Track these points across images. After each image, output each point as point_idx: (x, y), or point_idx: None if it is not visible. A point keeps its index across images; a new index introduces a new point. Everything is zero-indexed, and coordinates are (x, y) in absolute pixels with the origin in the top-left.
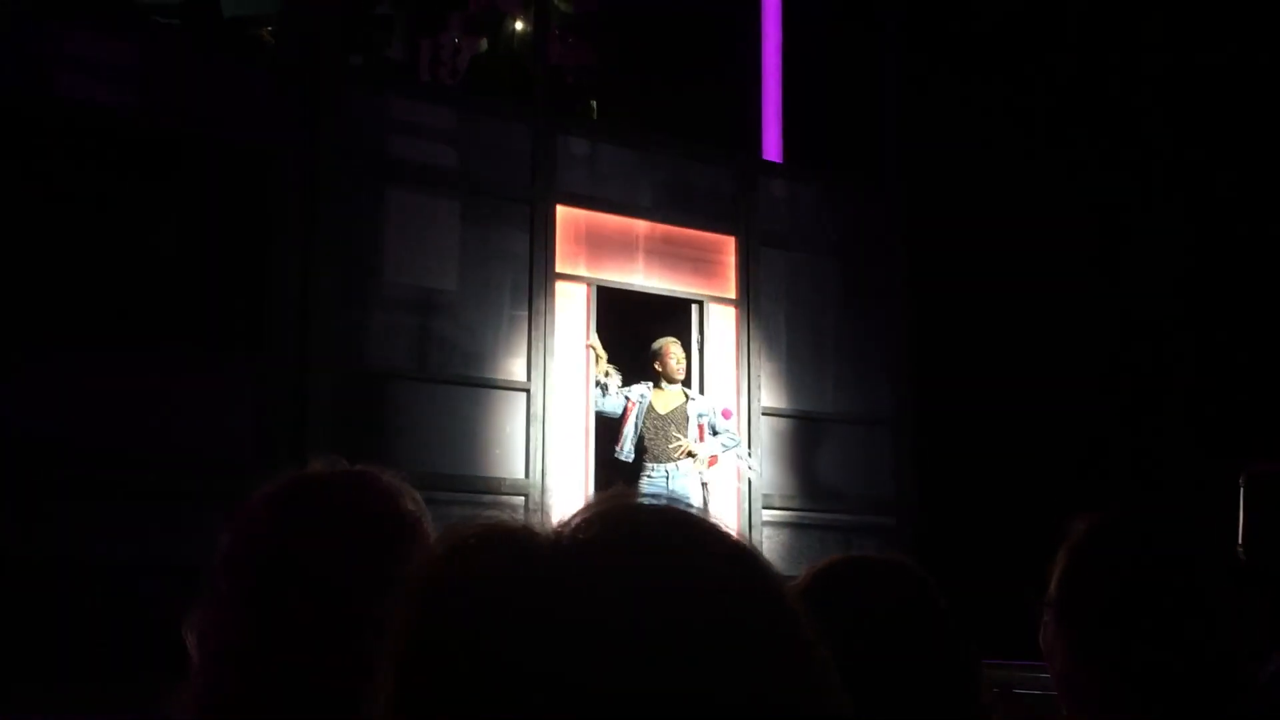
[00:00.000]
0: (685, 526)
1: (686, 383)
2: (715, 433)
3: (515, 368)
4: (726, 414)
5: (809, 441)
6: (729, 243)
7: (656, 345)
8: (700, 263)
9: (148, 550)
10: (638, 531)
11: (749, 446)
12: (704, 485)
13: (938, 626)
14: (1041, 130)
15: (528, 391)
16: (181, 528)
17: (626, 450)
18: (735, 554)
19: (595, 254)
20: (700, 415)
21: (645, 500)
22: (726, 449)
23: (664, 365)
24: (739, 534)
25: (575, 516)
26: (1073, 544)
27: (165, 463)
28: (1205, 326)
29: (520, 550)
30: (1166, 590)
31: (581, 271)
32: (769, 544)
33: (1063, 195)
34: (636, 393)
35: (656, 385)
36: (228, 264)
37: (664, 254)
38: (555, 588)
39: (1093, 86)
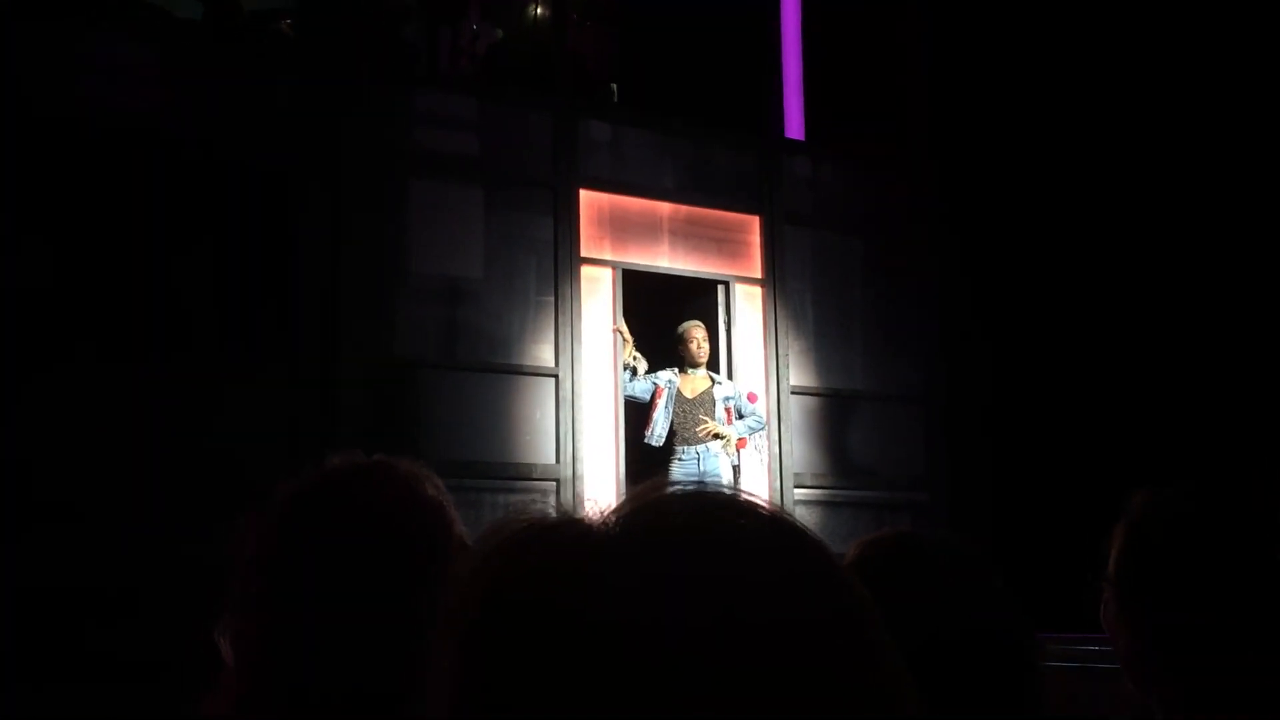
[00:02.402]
0: (735, 512)
1: (714, 365)
2: (741, 416)
3: (543, 353)
4: (752, 398)
5: (839, 419)
6: (753, 222)
7: (680, 330)
8: (725, 243)
9: (186, 551)
10: (688, 521)
11: (778, 427)
12: (735, 469)
13: (988, 604)
14: (1076, 99)
15: (556, 377)
16: (219, 526)
17: (658, 435)
18: (787, 536)
19: (619, 237)
20: (727, 399)
21: (679, 487)
22: (753, 431)
23: (686, 350)
24: (789, 515)
25: (622, 506)
26: (1132, 520)
27: (199, 460)
28: (1249, 312)
29: (573, 541)
30: (1231, 563)
31: (606, 255)
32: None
33: (1099, 165)
34: (664, 378)
35: (682, 370)
36: (254, 260)
37: (688, 235)
38: (614, 582)
39: (1134, 50)
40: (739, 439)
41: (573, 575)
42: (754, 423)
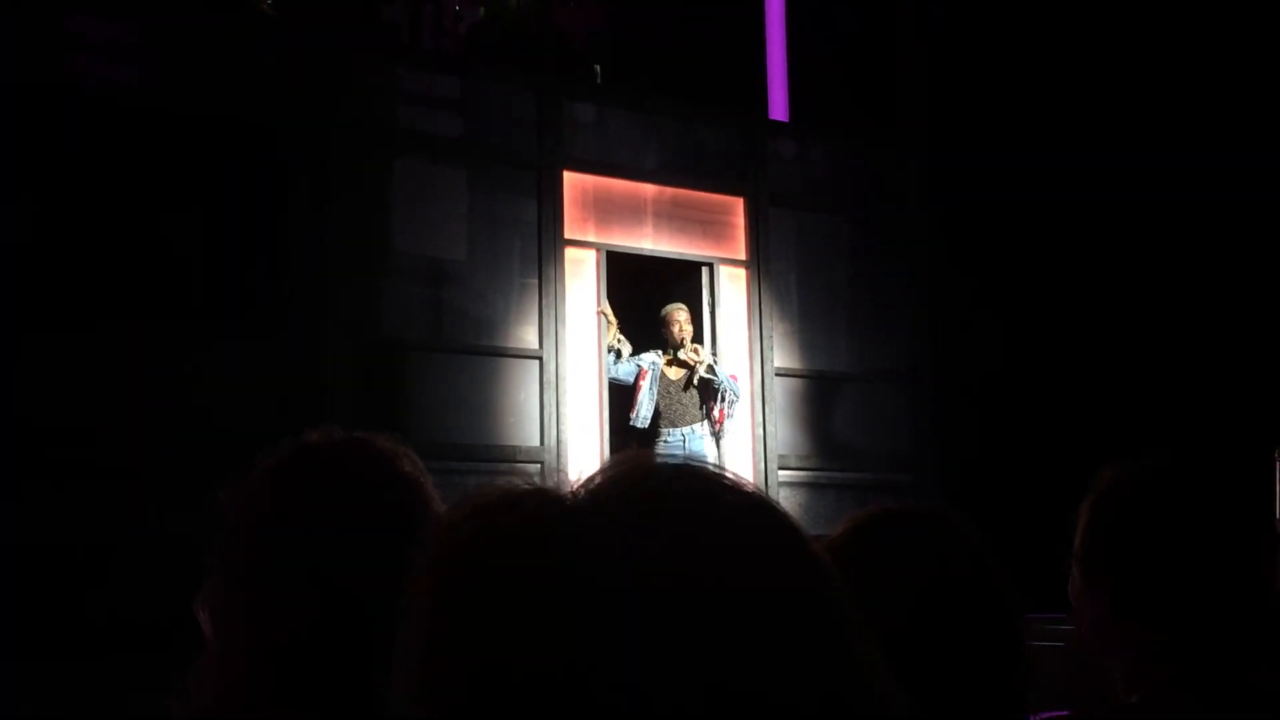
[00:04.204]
0: (705, 482)
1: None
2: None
3: (527, 335)
4: (734, 379)
5: (824, 401)
6: (738, 204)
7: (663, 313)
8: (709, 225)
9: (172, 527)
10: (658, 488)
11: (763, 408)
12: (717, 438)
13: (980, 579)
14: (1067, 78)
15: (540, 359)
16: (204, 505)
17: (643, 417)
18: (756, 507)
19: (604, 219)
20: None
21: (663, 459)
22: (728, 388)
23: (669, 332)
24: (759, 489)
25: (594, 477)
26: (1097, 496)
27: (185, 440)
28: (1238, 291)
29: (544, 508)
30: (1195, 540)
31: (590, 237)
32: (786, 504)
33: (1090, 144)
34: (648, 360)
35: (666, 352)
36: (238, 239)
37: (673, 217)
38: (581, 547)
39: (1127, 28)
40: (720, 411)
41: (542, 539)
42: (732, 386)
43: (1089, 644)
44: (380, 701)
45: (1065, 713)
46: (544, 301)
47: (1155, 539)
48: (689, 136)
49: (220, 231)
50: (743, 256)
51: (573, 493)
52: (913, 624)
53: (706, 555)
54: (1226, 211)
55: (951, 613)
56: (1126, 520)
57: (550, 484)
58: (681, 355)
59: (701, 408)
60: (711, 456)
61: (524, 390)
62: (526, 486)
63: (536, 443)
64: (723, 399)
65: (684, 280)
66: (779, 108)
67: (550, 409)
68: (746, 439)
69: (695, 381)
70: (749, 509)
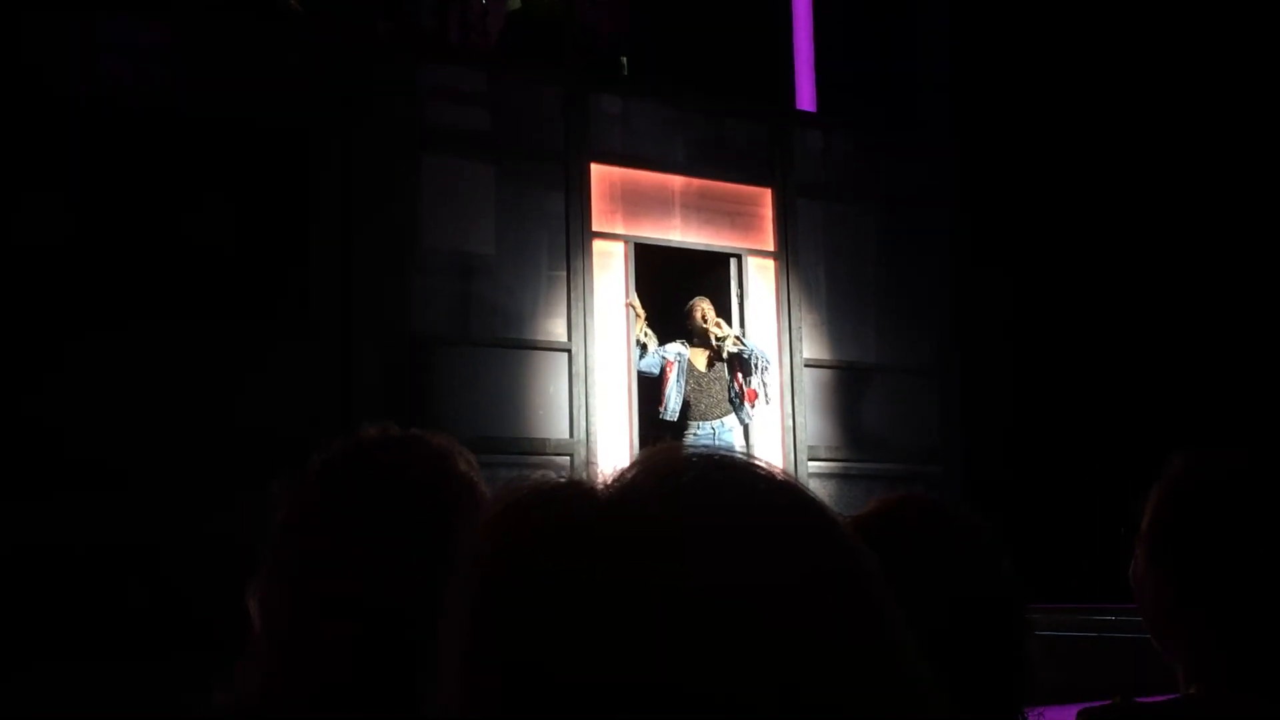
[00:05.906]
0: (738, 472)
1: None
2: (749, 373)
3: (556, 328)
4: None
5: (852, 392)
6: (765, 195)
7: (688, 305)
8: (737, 216)
9: (202, 526)
10: (691, 481)
11: (792, 400)
12: (745, 427)
13: (982, 571)
14: (1095, 71)
15: (569, 351)
16: (234, 502)
17: (671, 409)
18: (791, 497)
19: (631, 211)
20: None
21: (685, 450)
22: (759, 355)
23: (693, 322)
24: (791, 476)
25: (626, 469)
26: (1169, 479)
27: (214, 437)
28: (1268, 290)
29: (577, 503)
30: (1268, 528)
31: (619, 229)
32: None
33: (1116, 136)
34: (673, 351)
35: (690, 343)
36: (267, 238)
37: (700, 209)
38: (615, 538)
39: (1150, 26)
40: (749, 390)
41: (578, 534)
42: (762, 354)
43: (1151, 630)
44: (423, 700)
45: (1108, 702)
46: (572, 294)
47: (1228, 527)
48: (715, 128)
49: (249, 231)
50: (771, 248)
51: (606, 486)
52: (919, 617)
53: (742, 547)
54: (1263, 206)
55: (956, 611)
56: (1199, 506)
57: (583, 476)
58: (705, 328)
59: (731, 394)
60: (740, 449)
61: (553, 383)
62: (559, 480)
63: (566, 435)
64: (756, 367)
65: (712, 272)
66: (806, 98)
67: (579, 401)
68: (776, 430)
69: (725, 356)
70: (783, 498)
